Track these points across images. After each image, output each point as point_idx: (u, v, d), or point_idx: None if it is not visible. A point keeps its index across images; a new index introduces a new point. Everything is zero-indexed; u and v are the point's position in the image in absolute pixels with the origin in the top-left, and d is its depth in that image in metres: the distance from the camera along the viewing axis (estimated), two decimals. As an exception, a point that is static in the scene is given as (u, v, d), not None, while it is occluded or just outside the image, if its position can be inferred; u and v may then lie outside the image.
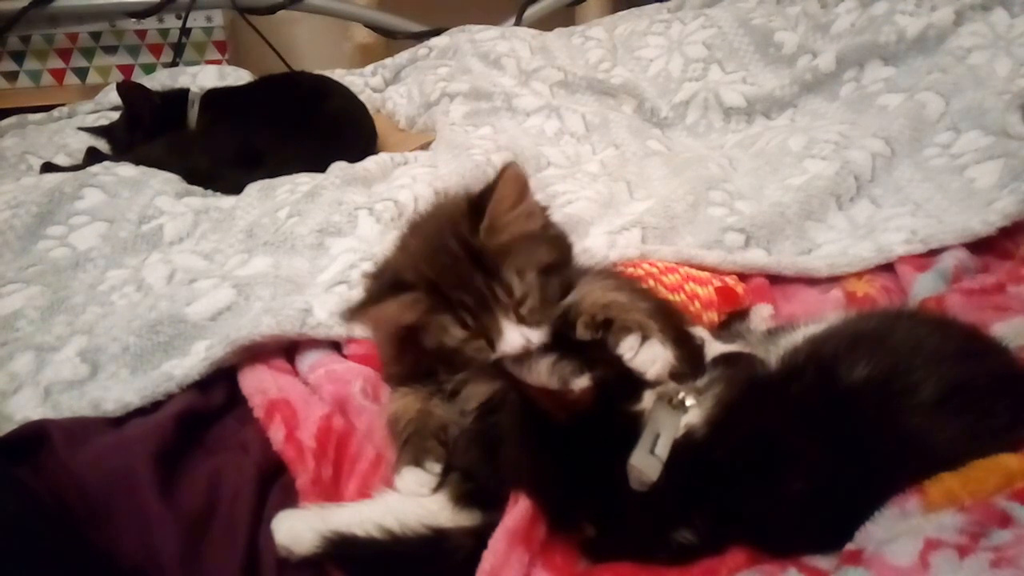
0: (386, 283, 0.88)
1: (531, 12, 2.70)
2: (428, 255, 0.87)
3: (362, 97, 2.08)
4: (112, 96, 2.17)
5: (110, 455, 0.90)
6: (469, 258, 0.85)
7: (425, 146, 1.91)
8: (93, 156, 1.84)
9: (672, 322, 0.91)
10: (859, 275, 1.18)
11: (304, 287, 1.27)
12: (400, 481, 0.85)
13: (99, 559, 0.81)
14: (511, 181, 0.86)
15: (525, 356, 0.78)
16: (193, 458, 0.93)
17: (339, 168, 1.66)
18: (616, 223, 1.38)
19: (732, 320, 1.09)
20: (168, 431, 0.94)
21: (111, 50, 2.76)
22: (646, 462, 0.70)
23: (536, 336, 0.84)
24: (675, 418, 0.74)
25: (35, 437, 0.93)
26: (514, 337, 0.83)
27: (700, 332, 0.96)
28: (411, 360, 0.91)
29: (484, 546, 0.74)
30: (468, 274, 0.84)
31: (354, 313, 0.88)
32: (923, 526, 0.64)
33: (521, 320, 0.85)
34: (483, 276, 0.84)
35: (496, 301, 0.84)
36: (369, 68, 2.45)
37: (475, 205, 0.87)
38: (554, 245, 0.92)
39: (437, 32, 2.50)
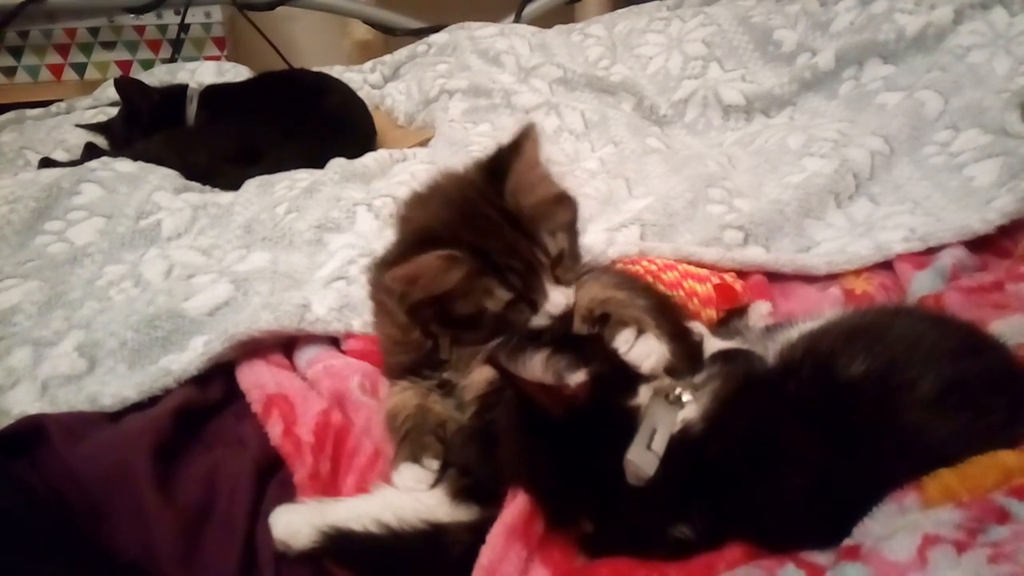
0: (417, 242, 0.86)
1: (530, 9, 2.70)
2: (461, 220, 0.86)
3: (361, 94, 2.08)
4: (110, 92, 2.17)
5: (108, 450, 0.90)
6: (509, 224, 0.85)
7: (424, 143, 1.91)
8: (91, 152, 1.84)
9: (670, 317, 0.91)
10: (858, 273, 1.18)
11: (302, 283, 1.27)
12: (398, 477, 0.85)
13: (96, 553, 0.81)
14: (534, 142, 0.87)
15: (520, 351, 0.78)
16: (191, 453, 0.93)
17: (338, 164, 1.66)
18: (615, 220, 1.38)
19: (731, 317, 1.09)
20: (166, 426, 0.94)
21: (109, 46, 2.76)
22: (643, 457, 0.70)
23: (571, 294, 0.87)
24: (672, 413, 0.74)
25: (32, 432, 0.93)
26: (558, 297, 0.85)
27: (698, 328, 0.96)
28: (416, 344, 0.91)
29: (482, 541, 0.74)
30: (512, 240, 0.85)
31: (399, 268, 0.84)
32: (921, 522, 0.63)
33: (559, 280, 0.87)
34: (525, 241, 0.85)
35: (539, 264, 0.86)
36: (368, 65, 2.45)
37: (491, 169, 0.88)
38: (568, 205, 0.93)
39: (436, 29, 2.50)
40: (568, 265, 0.89)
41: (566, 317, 0.86)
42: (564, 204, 0.92)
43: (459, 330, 0.88)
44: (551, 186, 0.92)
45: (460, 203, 0.88)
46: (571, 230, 0.92)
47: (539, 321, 0.86)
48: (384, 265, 0.94)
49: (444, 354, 0.90)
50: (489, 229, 0.85)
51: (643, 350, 0.80)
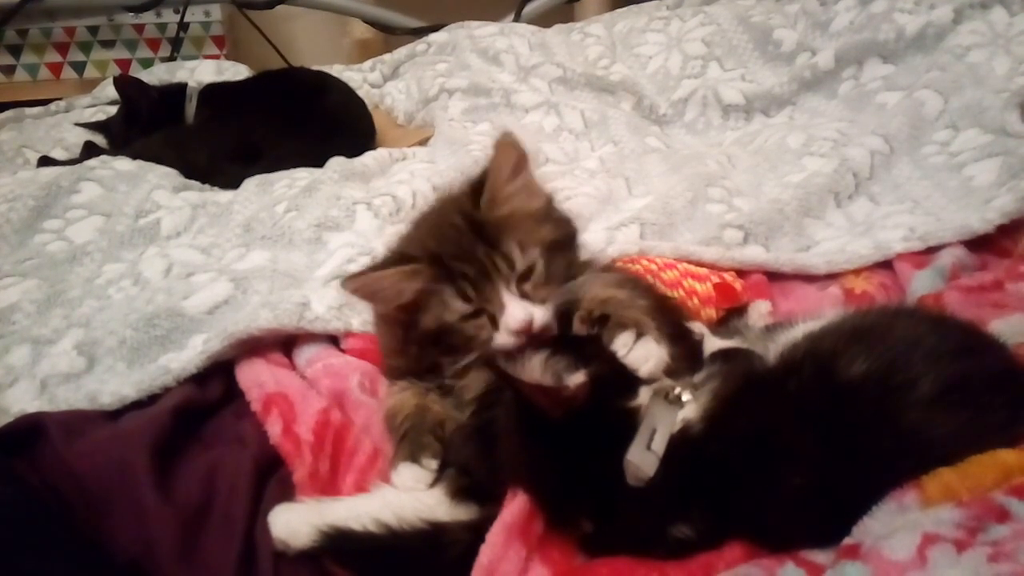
0: (389, 257, 0.89)
1: (530, 8, 2.70)
2: (432, 231, 0.87)
3: (360, 93, 2.08)
4: (109, 90, 2.17)
5: (107, 448, 0.90)
6: (471, 230, 0.84)
7: (423, 142, 1.91)
8: (90, 150, 1.84)
9: (670, 319, 0.91)
10: (857, 272, 1.18)
11: (302, 281, 1.27)
12: (397, 477, 0.85)
13: (96, 552, 0.81)
14: (506, 149, 0.85)
15: (518, 352, 0.77)
16: (190, 451, 0.93)
17: (337, 163, 1.66)
18: (615, 219, 1.38)
19: (730, 316, 1.09)
20: (165, 424, 0.93)
21: (108, 44, 2.76)
22: (642, 458, 0.70)
23: (540, 313, 0.83)
24: (671, 413, 0.73)
25: (32, 430, 0.93)
26: (516, 311, 0.82)
27: (698, 328, 0.96)
28: (414, 352, 0.91)
29: (481, 540, 0.74)
30: (470, 245, 0.83)
31: (353, 278, 0.87)
32: (921, 521, 0.63)
33: (525, 295, 0.84)
34: (484, 247, 0.83)
35: (497, 272, 0.83)
36: (367, 64, 2.45)
37: (476, 183, 0.88)
38: (558, 225, 0.91)
39: (436, 28, 2.49)
40: (540, 283, 0.85)
41: (567, 317, 0.86)
42: (548, 222, 0.90)
43: (447, 352, 0.87)
44: (533, 200, 0.89)
45: (437, 217, 0.89)
46: (556, 250, 0.88)
47: (502, 339, 0.83)
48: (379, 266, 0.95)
49: (447, 372, 0.89)
50: (449, 236, 0.85)
51: (642, 353, 0.79)
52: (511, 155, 0.86)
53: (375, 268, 0.87)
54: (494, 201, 0.86)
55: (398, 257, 0.88)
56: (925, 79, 1.56)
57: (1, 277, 1.31)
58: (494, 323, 0.84)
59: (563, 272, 0.88)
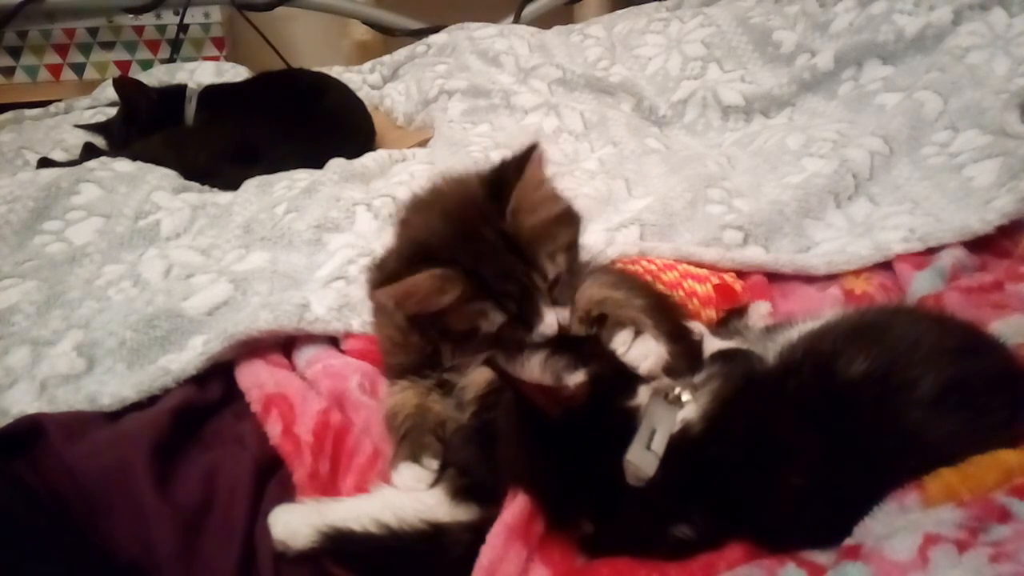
0: (412, 257, 0.86)
1: (530, 10, 2.71)
2: (458, 240, 0.85)
3: (360, 94, 2.08)
4: (109, 92, 2.17)
5: (106, 449, 0.90)
6: (506, 247, 0.84)
7: (423, 143, 1.91)
8: (90, 151, 1.84)
9: (668, 317, 0.91)
10: (857, 273, 1.18)
11: (301, 283, 1.27)
12: (397, 477, 0.84)
13: (95, 553, 0.81)
14: (538, 164, 0.86)
15: (518, 352, 0.77)
16: (190, 452, 0.93)
17: (337, 164, 1.66)
18: (615, 220, 1.38)
19: (730, 317, 1.09)
20: (165, 425, 0.93)
21: (108, 46, 2.76)
22: (642, 458, 0.70)
23: (565, 315, 0.86)
24: (671, 413, 0.73)
25: (31, 431, 0.92)
26: (552, 320, 0.84)
27: (698, 328, 0.96)
28: (416, 347, 0.91)
29: (482, 541, 0.73)
30: (508, 264, 0.84)
31: (387, 289, 0.85)
32: (922, 521, 0.63)
33: (555, 301, 0.86)
34: (523, 266, 0.84)
35: (536, 288, 0.84)
36: (367, 65, 2.45)
37: (493, 187, 0.87)
38: (573, 224, 0.92)
39: (435, 29, 2.50)
40: (565, 283, 0.88)
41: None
42: (566, 223, 0.91)
43: (457, 341, 0.88)
44: (554, 206, 0.91)
45: (459, 220, 0.87)
46: (572, 248, 0.90)
47: (534, 340, 0.85)
48: (380, 270, 0.94)
49: (446, 360, 0.90)
50: (485, 252, 0.84)
51: (641, 351, 0.79)
52: (541, 168, 0.87)
53: (402, 272, 0.84)
54: (523, 214, 0.86)
55: (424, 257, 0.85)
56: (925, 80, 1.56)
57: (1, 278, 1.31)
58: (528, 328, 0.85)
59: (577, 265, 0.91)
